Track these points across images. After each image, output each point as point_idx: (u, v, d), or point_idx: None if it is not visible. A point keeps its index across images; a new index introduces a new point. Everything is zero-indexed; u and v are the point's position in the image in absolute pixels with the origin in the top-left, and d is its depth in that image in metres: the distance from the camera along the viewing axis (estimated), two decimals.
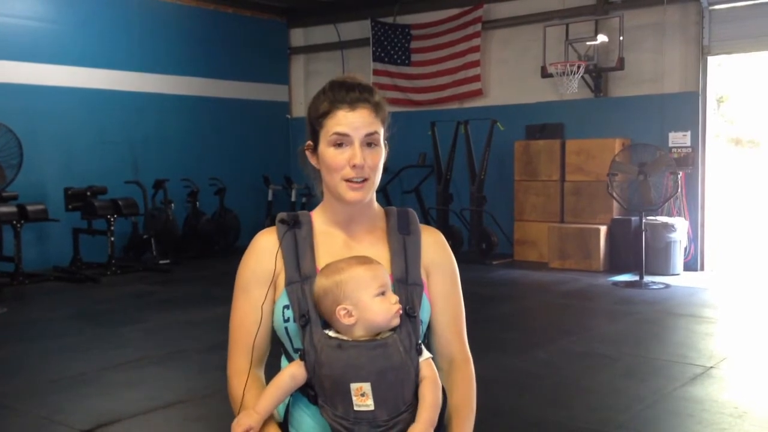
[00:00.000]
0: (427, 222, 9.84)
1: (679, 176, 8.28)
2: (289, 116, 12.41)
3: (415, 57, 11.06)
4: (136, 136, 10.21)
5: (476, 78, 10.46)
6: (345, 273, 1.63)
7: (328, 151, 1.69)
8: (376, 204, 1.82)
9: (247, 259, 1.78)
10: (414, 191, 10.37)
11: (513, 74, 10.24)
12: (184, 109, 10.76)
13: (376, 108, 1.71)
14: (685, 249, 8.84)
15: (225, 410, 1.84)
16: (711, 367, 4.84)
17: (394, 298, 1.63)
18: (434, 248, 1.81)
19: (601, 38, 9.13)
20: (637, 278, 8.03)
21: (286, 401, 1.68)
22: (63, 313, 6.87)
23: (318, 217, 1.80)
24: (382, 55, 11.19)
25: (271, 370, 1.72)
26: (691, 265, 8.91)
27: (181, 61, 10.75)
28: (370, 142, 1.69)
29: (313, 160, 1.77)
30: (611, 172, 8.19)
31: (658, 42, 9.12)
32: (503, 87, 10.35)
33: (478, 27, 10.39)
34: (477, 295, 7.08)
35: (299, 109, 12.30)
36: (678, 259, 8.66)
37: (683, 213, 8.95)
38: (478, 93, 10.47)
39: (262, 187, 11.40)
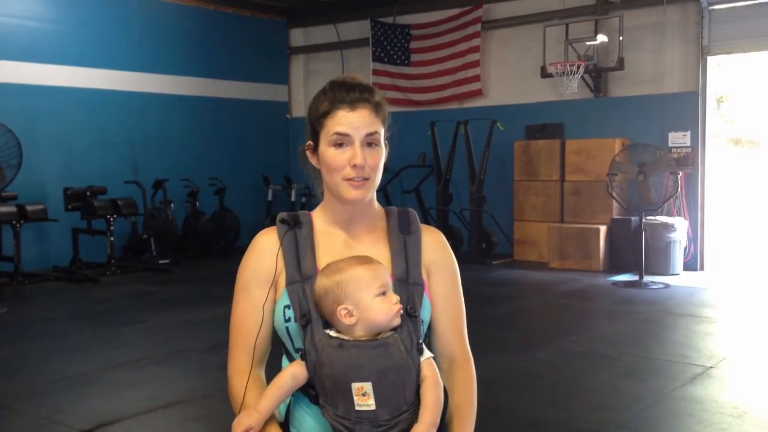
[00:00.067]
0: (427, 222, 9.77)
1: (678, 176, 8.28)
2: (288, 116, 12.41)
3: (414, 57, 11.06)
4: (136, 136, 10.21)
5: (476, 78, 10.46)
6: (346, 273, 1.63)
7: (328, 151, 1.69)
8: (376, 204, 1.82)
9: (248, 259, 1.78)
10: (414, 191, 10.37)
11: (513, 74, 10.24)
12: (184, 109, 10.75)
13: (377, 108, 1.71)
14: (685, 249, 8.84)
15: (225, 410, 1.84)
16: (711, 367, 4.84)
17: (395, 297, 1.63)
18: (435, 248, 1.81)
19: (601, 38, 9.13)
20: (636, 278, 8.03)
21: (287, 401, 1.68)
22: (63, 313, 6.87)
23: (318, 217, 1.80)
24: (382, 55, 11.19)
25: (272, 370, 1.72)
26: (690, 265, 8.91)
27: (181, 61, 10.75)
28: (370, 142, 1.69)
29: (313, 160, 1.77)
30: (611, 172, 8.19)
31: (657, 42, 9.12)
32: (503, 87, 10.35)
33: (478, 27, 10.39)
34: (477, 295, 7.08)
35: (299, 109, 12.30)
36: (678, 259, 8.66)
37: (683, 213, 8.95)
38: (477, 93, 10.47)
39: (262, 187, 11.40)
